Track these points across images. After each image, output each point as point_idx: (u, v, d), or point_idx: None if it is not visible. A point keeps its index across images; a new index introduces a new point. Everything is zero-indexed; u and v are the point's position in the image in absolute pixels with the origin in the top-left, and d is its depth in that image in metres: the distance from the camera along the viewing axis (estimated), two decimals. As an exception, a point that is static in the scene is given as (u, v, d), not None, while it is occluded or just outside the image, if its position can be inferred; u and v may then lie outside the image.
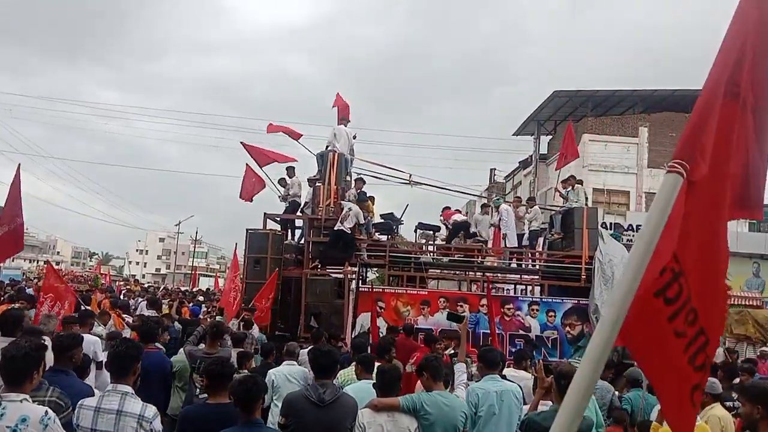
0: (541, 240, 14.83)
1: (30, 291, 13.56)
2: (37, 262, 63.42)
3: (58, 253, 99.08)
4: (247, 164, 14.84)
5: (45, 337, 5.21)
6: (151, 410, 3.65)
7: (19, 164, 8.92)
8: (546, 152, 32.89)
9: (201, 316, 14.07)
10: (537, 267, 13.84)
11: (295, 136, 15.37)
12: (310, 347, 6.76)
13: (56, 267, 14.43)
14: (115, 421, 3.50)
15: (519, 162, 36.46)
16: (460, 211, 15.92)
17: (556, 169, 17.38)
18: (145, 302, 14.44)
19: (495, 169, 40.17)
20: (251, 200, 14.94)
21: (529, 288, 14.03)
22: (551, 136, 32.37)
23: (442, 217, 15.13)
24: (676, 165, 1.35)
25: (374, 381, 4.69)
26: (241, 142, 14.90)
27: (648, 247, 1.26)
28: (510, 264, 14.16)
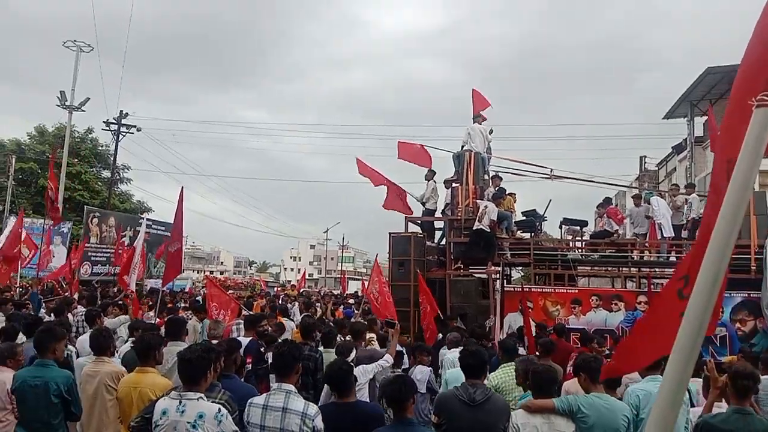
0: (702, 230, 13.60)
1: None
2: (204, 273, 69.63)
3: (222, 263, 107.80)
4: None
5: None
6: (313, 408, 3.85)
7: (183, 187, 9.69)
8: (702, 134, 30.14)
9: (353, 319, 14.59)
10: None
11: (425, 162, 15.18)
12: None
13: (220, 276, 15.70)
14: (281, 417, 3.75)
15: (672, 147, 33.70)
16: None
17: (712, 150, 15.92)
18: (299, 306, 15.30)
19: (645, 156, 37.47)
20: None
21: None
22: (707, 117, 29.61)
23: (602, 214, 14.18)
24: (766, 98, 1.16)
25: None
26: (357, 158, 14.93)
27: (743, 194, 1.10)
28: (668, 257, 13.17)
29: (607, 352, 7.47)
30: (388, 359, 6.23)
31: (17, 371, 4.77)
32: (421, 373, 6.76)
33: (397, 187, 14.71)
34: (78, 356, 6.31)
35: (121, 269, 12.49)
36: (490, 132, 14.53)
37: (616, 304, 11.40)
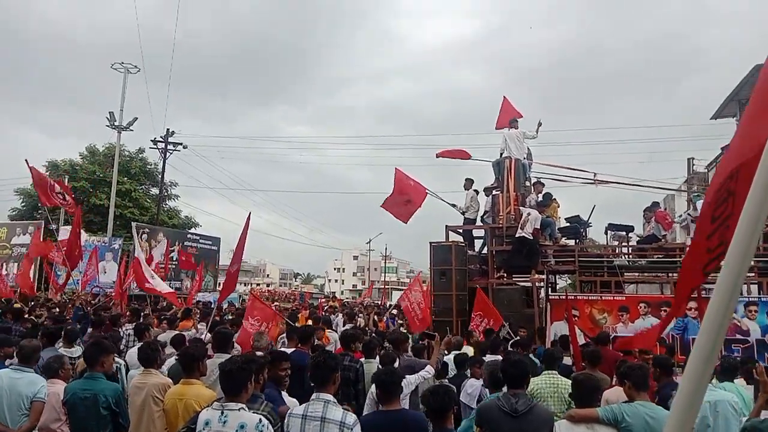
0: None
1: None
2: (250, 285, 70.80)
3: (268, 275, 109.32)
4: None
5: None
6: (351, 417, 3.87)
7: (250, 213, 9.67)
8: (754, 134, 29.08)
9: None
10: (752, 263, 12.31)
11: (465, 156, 15.10)
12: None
13: (267, 288, 15.88)
14: (320, 427, 3.79)
15: (721, 148, 32.38)
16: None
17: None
18: (342, 317, 15.38)
19: (693, 158, 36.35)
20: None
21: (745, 287, 12.50)
22: (759, 116, 28.43)
23: (649, 218, 13.74)
24: None
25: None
26: (396, 168, 14.61)
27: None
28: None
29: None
30: (429, 370, 6.19)
31: (68, 384, 4.95)
32: (472, 387, 6.56)
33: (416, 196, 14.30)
34: (128, 369, 6.51)
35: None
36: (539, 125, 14.29)
37: (665, 311, 11.05)
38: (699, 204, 12.69)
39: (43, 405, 4.94)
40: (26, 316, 11.33)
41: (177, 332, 8.87)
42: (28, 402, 4.91)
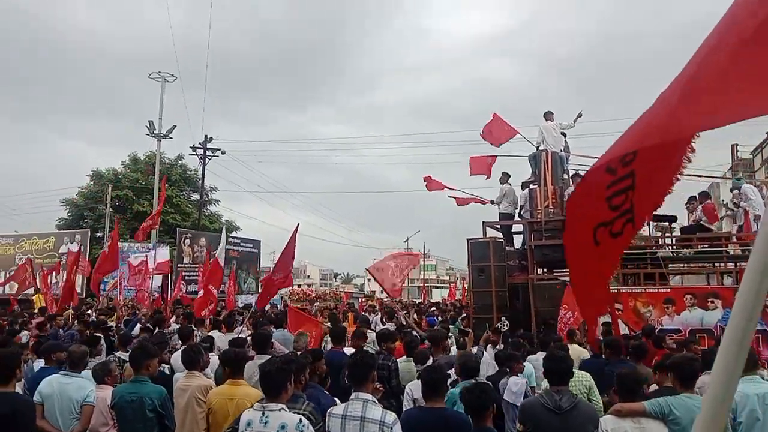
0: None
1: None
2: (292, 287, 71.43)
3: (308, 276, 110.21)
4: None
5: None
6: (391, 416, 3.87)
7: (298, 224, 9.49)
8: (803, 116, 27.92)
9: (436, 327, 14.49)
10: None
11: (482, 166, 15.31)
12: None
13: (308, 288, 16.11)
14: (359, 427, 3.80)
15: (767, 133, 31.58)
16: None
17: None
18: (381, 315, 15.39)
19: (737, 144, 35.22)
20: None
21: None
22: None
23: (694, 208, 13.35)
24: None
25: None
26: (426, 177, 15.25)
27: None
28: None
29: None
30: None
31: (115, 387, 5.10)
32: (516, 385, 6.42)
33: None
34: (172, 371, 6.65)
35: (207, 280, 13.03)
36: (579, 115, 14.09)
37: (712, 302, 10.75)
38: (744, 188, 12.30)
39: (93, 409, 5.09)
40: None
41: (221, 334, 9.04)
42: (78, 406, 5.07)
